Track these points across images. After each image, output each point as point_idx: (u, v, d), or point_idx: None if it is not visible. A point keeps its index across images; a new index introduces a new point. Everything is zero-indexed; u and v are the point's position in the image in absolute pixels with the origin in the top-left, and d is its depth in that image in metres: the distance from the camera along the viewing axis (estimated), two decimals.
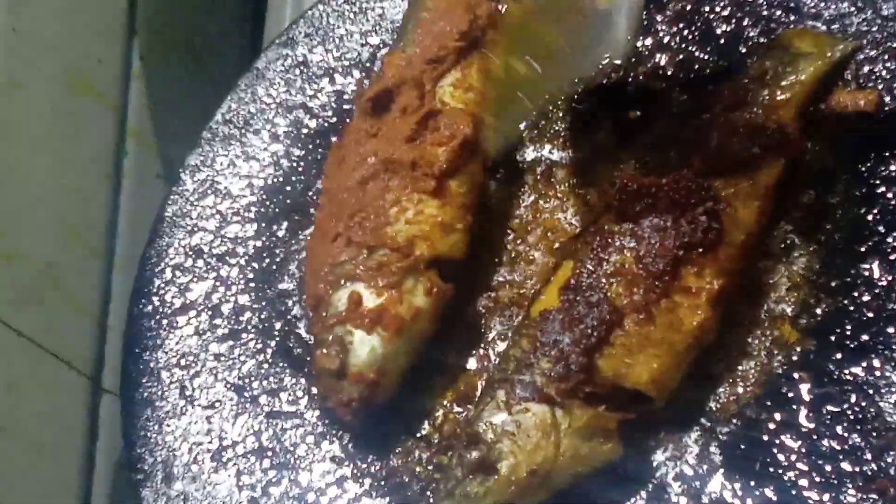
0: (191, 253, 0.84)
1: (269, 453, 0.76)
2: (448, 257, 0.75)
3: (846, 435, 0.68)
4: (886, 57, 0.76)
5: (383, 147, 0.76)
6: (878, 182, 0.74)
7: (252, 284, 0.82)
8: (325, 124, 0.86)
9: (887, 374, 0.69)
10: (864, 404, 0.68)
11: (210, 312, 0.81)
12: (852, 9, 0.78)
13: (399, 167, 0.75)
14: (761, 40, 0.80)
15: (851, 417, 0.68)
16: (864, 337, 0.70)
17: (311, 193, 0.84)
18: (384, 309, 0.71)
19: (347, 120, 0.85)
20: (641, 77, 0.82)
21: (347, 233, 0.74)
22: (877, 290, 0.71)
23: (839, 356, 0.70)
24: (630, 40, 0.69)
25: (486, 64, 0.81)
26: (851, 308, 0.71)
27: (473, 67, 0.80)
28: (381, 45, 0.87)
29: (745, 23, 0.81)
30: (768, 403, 0.70)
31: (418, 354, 0.74)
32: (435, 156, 0.75)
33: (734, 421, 0.70)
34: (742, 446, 0.69)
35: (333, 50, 0.88)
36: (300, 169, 0.85)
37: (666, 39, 0.82)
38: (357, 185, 0.76)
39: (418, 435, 0.75)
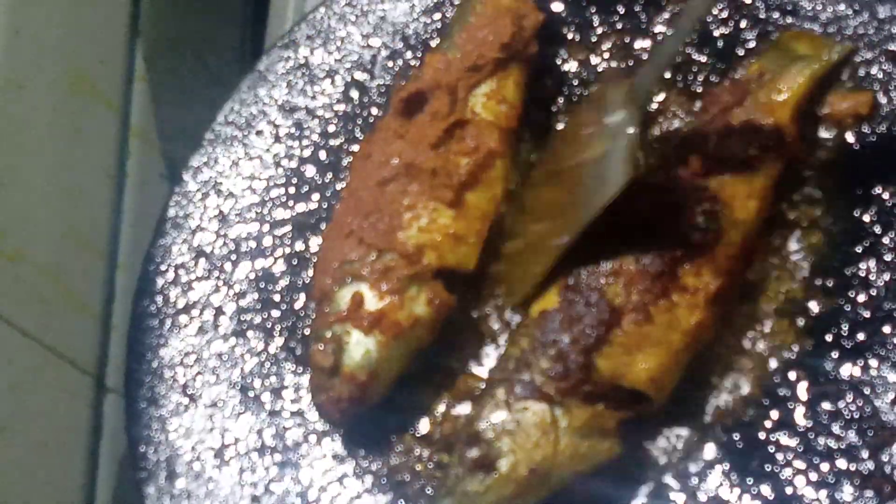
0: (193, 253, 0.84)
1: (271, 451, 0.77)
2: (456, 269, 0.75)
3: (842, 433, 0.68)
4: (883, 59, 0.77)
5: (408, 150, 0.76)
6: (874, 183, 0.75)
7: (254, 284, 0.82)
8: (327, 126, 0.87)
9: (883, 373, 0.69)
10: (860, 403, 0.69)
11: (213, 312, 0.82)
12: (849, 11, 0.79)
13: (420, 173, 0.75)
14: (759, 42, 0.80)
15: (848, 416, 0.69)
16: (861, 337, 0.71)
17: (313, 194, 0.85)
18: (384, 313, 0.72)
19: (349, 122, 0.85)
20: None
21: (360, 232, 0.74)
22: (873, 291, 0.72)
23: (836, 356, 0.71)
24: (630, 171, 0.68)
25: (524, 78, 0.80)
26: (848, 308, 0.72)
27: (510, 80, 0.79)
28: (383, 48, 0.88)
29: (742, 25, 0.81)
30: (765, 402, 0.71)
31: (413, 361, 0.74)
32: (456, 166, 0.75)
33: (731, 419, 0.71)
34: (739, 444, 0.70)
35: (335, 52, 0.89)
36: (302, 170, 0.86)
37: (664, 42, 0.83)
38: (377, 184, 0.76)
39: (419, 434, 0.75)
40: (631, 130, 0.70)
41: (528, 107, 0.81)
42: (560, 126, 0.82)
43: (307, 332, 0.80)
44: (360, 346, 0.71)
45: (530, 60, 0.81)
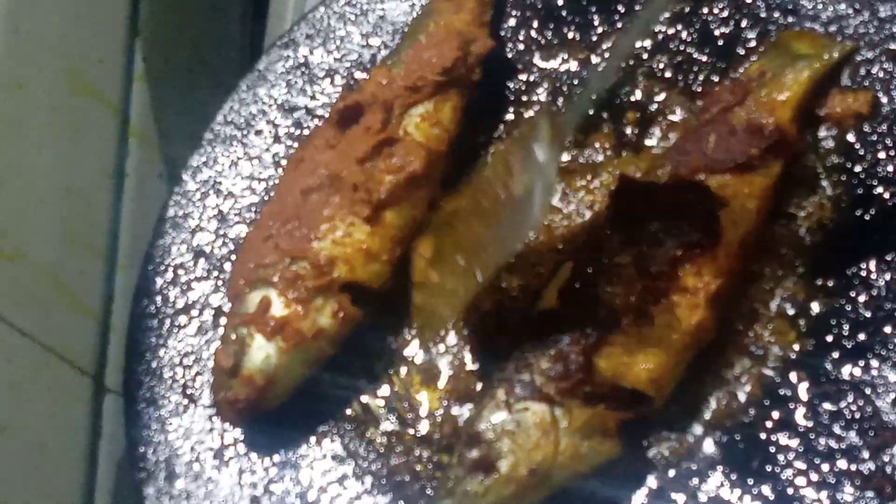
0: (193, 253, 0.84)
1: (271, 452, 0.77)
2: (365, 285, 0.75)
3: (843, 434, 0.68)
4: (884, 58, 0.77)
5: (336, 161, 0.76)
6: (874, 183, 0.74)
7: None
8: None
9: (884, 373, 0.69)
10: (861, 403, 0.69)
11: (212, 312, 0.82)
12: (850, 11, 0.79)
13: (343, 186, 0.75)
14: (759, 42, 0.80)
15: (849, 417, 0.69)
16: (862, 337, 0.71)
17: None
18: (288, 321, 0.72)
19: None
20: (640, 79, 0.82)
21: (278, 237, 0.75)
22: (874, 291, 0.71)
23: (836, 356, 0.70)
24: (542, 218, 0.71)
25: (463, 103, 0.80)
26: (849, 308, 0.71)
27: (448, 104, 0.79)
28: (383, 47, 0.87)
29: (743, 24, 0.81)
30: (766, 403, 0.70)
31: (314, 370, 0.75)
32: (378, 183, 0.75)
33: (732, 420, 0.70)
34: (740, 445, 0.70)
35: (334, 51, 0.88)
36: None
37: (664, 41, 0.83)
38: (301, 192, 0.76)
39: (419, 434, 0.75)
40: (550, 175, 0.70)
41: (462, 133, 0.80)
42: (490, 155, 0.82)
43: None
44: (261, 351, 0.72)
45: (472, 87, 0.81)
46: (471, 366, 0.77)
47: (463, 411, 0.75)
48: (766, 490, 0.68)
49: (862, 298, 0.72)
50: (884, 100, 0.76)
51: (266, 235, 0.75)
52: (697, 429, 0.71)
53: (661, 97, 0.81)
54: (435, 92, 0.78)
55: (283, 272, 0.73)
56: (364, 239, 0.74)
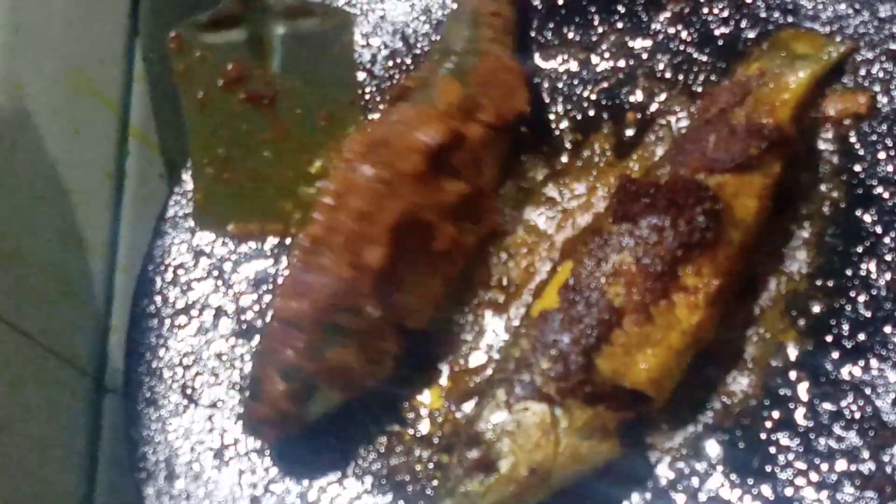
0: (192, 253, 0.84)
1: (270, 452, 0.76)
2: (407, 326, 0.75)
3: (843, 434, 0.68)
4: (883, 58, 0.77)
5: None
6: (874, 183, 0.75)
7: (253, 284, 0.82)
8: None
9: (884, 373, 0.69)
10: (861, 403, 0.69)
11: (212, 312, 0.82)
12: (850, 11, 0.79)
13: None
14: (759, 42, 0.80)
15: (848, 417, 0.69)
16: (861, 337, 0.71)
17: None
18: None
19: None
20: (640, 79, 0.82)
21: None
22: (873, 291, 0.71)
23: (836, 356, 0.70)
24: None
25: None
26: (848, 308, 0.71)
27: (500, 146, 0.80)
28: (383, 47, 0.87)
29: (742, 24, 0.81)
30: (766, 403, 0.70)
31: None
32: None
33: (732, 420, 0.70)
34: (740, 445, 0.70)
35: None
36: None
37: (664, 41, 0.83)
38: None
39: (419, 434, 0.75)
40: None
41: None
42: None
43: None
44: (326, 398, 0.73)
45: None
46: (471, 365, 0.77)
47: (463, 411, 0.75)
48: (766, 490, 0.68)
49: (862, 298, 0.72)
50: (884, 100, 0.76)
51: None
52: (697, 429, 0.71)
53: (661, 97, 0.81)
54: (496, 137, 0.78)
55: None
56: None
